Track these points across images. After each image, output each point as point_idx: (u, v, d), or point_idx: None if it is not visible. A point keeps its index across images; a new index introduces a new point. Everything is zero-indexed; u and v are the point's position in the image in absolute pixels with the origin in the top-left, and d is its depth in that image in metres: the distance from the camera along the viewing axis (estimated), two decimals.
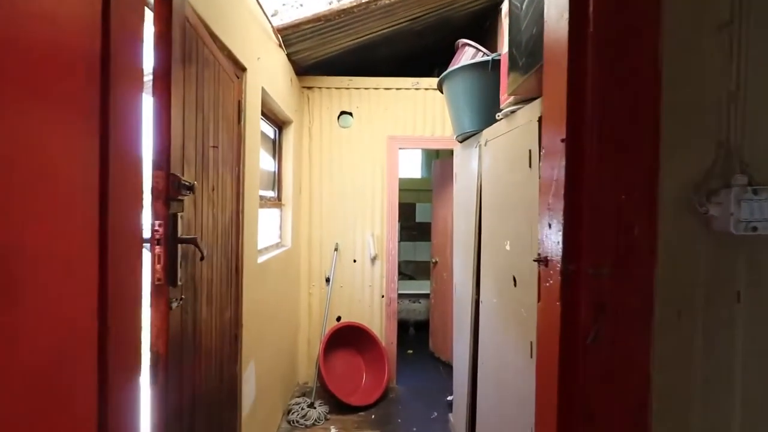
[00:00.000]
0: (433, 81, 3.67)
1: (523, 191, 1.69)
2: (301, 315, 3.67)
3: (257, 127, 2.33)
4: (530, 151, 1.60)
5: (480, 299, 2.33)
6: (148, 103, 1.07)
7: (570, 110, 0.93)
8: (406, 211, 5.74)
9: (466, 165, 2.62)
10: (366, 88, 3.68)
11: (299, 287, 3.66)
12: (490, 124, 2.19)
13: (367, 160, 3.68)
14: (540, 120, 1.39)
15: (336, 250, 3.65)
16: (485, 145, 2.25)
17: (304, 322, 3.67)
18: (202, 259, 1.37)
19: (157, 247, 1.09)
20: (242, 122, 2.02)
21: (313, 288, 3.68)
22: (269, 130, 3.11)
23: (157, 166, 1.12)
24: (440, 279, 4.32)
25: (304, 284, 3.68)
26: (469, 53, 2.39)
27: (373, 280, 3.69)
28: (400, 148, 3.69)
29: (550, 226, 1.00)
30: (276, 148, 3.26)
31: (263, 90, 2.38)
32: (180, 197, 1.19)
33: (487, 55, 2.23)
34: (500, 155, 2.01)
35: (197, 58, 1.38)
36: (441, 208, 4.32)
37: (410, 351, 4.57)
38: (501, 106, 1.99)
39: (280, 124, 3.25)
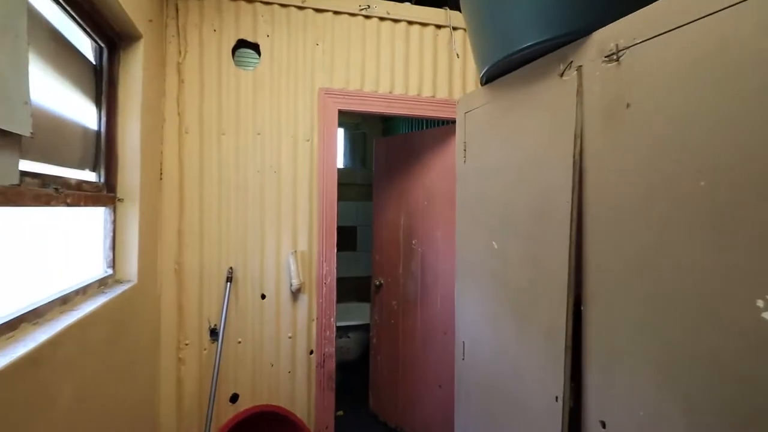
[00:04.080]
0: (397, 6, 2.32)
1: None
2: (162, 403, 2.04)
3: None
4: None
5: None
6: None
7: None
8: None
9: (518, 122, 1.32)
10: (284, 5, 2.18)
11: (157, 353, 2.03)
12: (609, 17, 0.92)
13: (285, 127, 2.19)
14: None
15: (229, 280, 2.09)
16: (616, 59, 0.97)
17: (168, 417, 2.04)
18: None
19: None
20: None
21: (186, 350, 2.08)
22: (78, 40, 1.46)
23: None
24: (387, 309, 2.98)
25: (169, 346, 2.05)
26: None
27: (296, 326, 2.21)
28: (340, 111, 2.27)
29: None
30: (101, 85, 1.61)
31: None
32: None
33: None
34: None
35: None
36: (391, 209, 2.99)
37: (340, 412, 3.15)
38: None
39: (110, 35, 1.61)
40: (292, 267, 2.14)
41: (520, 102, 1.28)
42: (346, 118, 4.36)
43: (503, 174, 1.36)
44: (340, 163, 4.48)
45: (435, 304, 2.63)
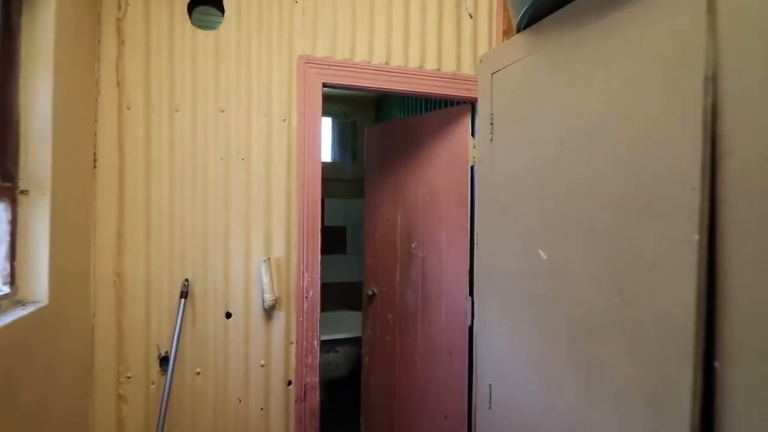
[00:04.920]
0: None
1: None
2: None
3: None
4: None
5: None
6: None
7: None
8: None
9: (582, 74, 0.89)
10: None
11: (88, 391, 1.59)
12: None
13: (257, 103, 1.76)
14: None
15: (185, 295, 1.65)
16: None
17: None
18: None
19: None
20: None
21: (129, 385, 1.63)
22: None
23: None
24: (382, 323, 2.56)
25: (106, 380, 1.61)
26: None
27: (270, 352, 1.78)
28: (324, 85, 1.84)
29: None
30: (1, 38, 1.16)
31: None
32: None
33: None
34: None
35: None
36: (385, 206, 2.57)
37: None
38: None
39: None
40: (265, 278, 1.71)
41: (585, 44, 0.86)
42: (333, 106, 3.92)
43: (557, 152, 0.94)
44: (327, 156, 4.04)
45: (439, 320, 2.22)
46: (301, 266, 1.79)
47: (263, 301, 1.72)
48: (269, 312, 1.77)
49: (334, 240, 4.01)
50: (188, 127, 1.68)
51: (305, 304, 1.80)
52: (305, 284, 1.80)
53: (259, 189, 1.75)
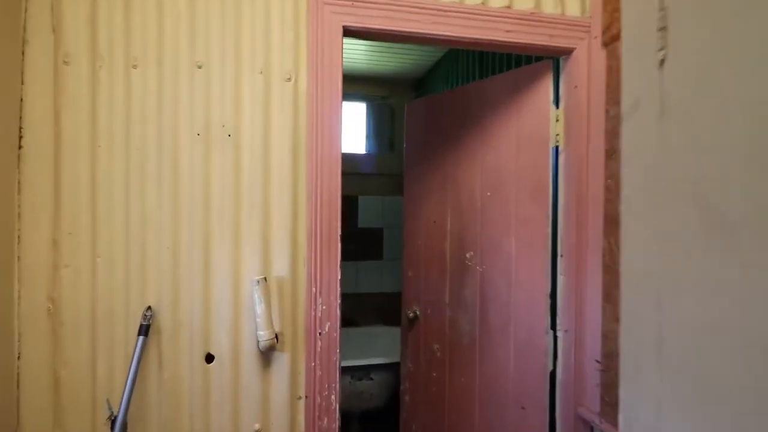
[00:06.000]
0: None
1: None
2: None
3: None
4: None
5: None
6: None
7: None
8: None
9: None
10: None
11: None
12: None
13: (248, 56, 1.22)
14: None
15: (144, 330, 1.14)
16: None
17: None
18: None
19: None
20: None
21: None
22: None
23: None
24: (427, 355, 1.99)
25: None
26: None
27: (269, 411, 1.25)
28: (346, 31, 1.29)
29: None
30: None
31: None
32: None
33: None
34: None
35: None
36: (430, 204, 1.99)
37: None
38: None
39: None
40: (259, 307, 1.18)
41: None
42: (367, 88, 3.37)
43: None
44: (361, 147, 3.51)
45: (505, 359, 1.62)
46: (313, 289, 1.25)
47: (259, 338, 1.19)
48: (267, 354, 1.24)
49: (369, 244, 3.47)
50: (151, 89, 1.18)
51: (319, 343, 1.25)
52: (319, 314, 1.25)
53: (252, 178, 1.23)
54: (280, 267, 1.24)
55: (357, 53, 2.80)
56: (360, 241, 3.44)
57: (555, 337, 1.51)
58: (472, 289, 1.77)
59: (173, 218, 1.18)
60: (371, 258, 3.48)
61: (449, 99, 1.91)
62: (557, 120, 1.53)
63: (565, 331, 1.47)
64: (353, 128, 3.46)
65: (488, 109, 1.73)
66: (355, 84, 3.31)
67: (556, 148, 1.53)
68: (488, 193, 1.72)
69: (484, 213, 1.73)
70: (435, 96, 2.02)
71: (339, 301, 1.27)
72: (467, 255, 1.79)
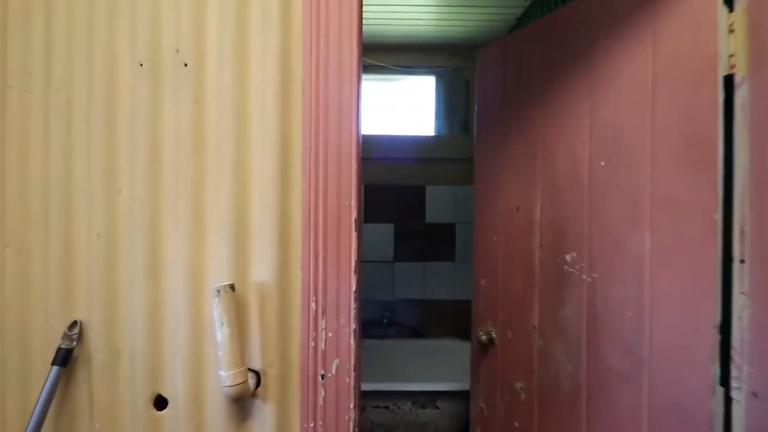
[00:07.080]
0: None
1: None
2: None
3: None
4: None
5: None
6: None
7: None
8: (404, 201, 2.85)
9: None
10: None
11: None
12: None
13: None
14: None
15: (62, 359, 0.76)
16: None
17: None
18: None
19: None
20: None
21: None
22: None
23: None
24: (506, 395, 1.42)
25: None
26: None
27: None
28: None
29: None
30: None
31: None
32: None
33: None
34: None
35: None
36: (510, 184, 1.43)
37: None
38: None
39: None
40: (220, 332, 0.74)
41: None
42: (436, 59, 2.84)
43: None
44: (430, 129, 2.99)
45: (634, 426, 1.01)
46: (313, 304, 0.78)
47: (222, 378, 0.75)
48: (242, 404, 0.79)
49: (438, 243, 2.93)
50: (81, 2, 0.80)
51: (321, 392, 0.78)
52: (321, 346, 0.78)
53: (221, 129, 0.79)
54: (261, 267, 0.79)
55: (423, 15, 2.30)
56: (429, 239, 2.92)
57: (727, 399, 0.88)
58: (575, 309, 1.18)
59: (106, 192, 0.79)
60: (442, 259, 2.94)
61: (539, 33, 1.34)
62: (731, 31, 0.90)
63: (753, 393, 0.83)
64: (420, 107, 2.95)
65: (601, 35, 1.13)
66: (421, 55, 2.80)
67: (730, 77, 0.90)
68: (602, 163, 1.12)
69: (594, 193, 1.14)
70: (517, 33, 1.45)
71: (354, 326, 0.78)
72: (567, 257, 1.21)
